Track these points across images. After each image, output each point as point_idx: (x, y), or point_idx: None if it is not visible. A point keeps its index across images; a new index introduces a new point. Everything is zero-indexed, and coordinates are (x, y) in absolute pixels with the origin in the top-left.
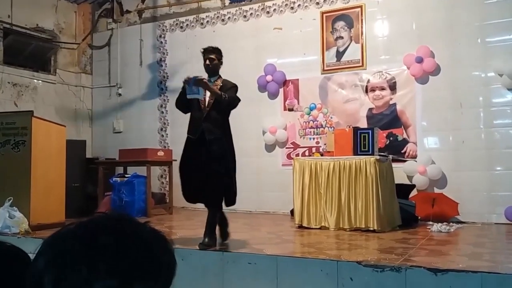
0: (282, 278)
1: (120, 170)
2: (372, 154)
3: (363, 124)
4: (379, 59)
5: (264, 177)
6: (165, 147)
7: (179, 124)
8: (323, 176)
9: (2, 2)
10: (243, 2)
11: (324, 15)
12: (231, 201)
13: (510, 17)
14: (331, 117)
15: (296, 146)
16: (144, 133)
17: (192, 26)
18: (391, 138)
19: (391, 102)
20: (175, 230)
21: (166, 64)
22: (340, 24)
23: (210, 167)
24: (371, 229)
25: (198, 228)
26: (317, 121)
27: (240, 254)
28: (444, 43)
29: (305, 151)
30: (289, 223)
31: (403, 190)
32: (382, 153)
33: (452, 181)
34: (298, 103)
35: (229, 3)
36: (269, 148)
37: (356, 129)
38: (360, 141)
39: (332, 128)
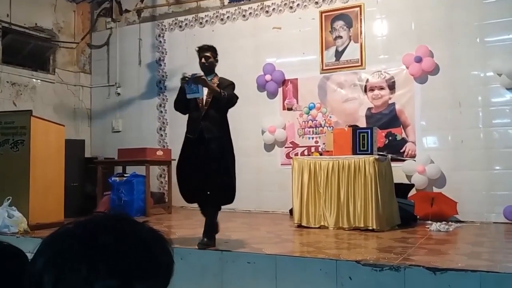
0: (281, 278)
1: (119, 169)
2: (371, 153)
3: (362, 123)
4: (378, 59)
5: (263, 177)
6: (164, 146)
7: (178, 124)
8: (322, 175)
9: (1, 1)
10: (242, 2)
11: (323, 14)
12: (230, 200)
13: (509, 17)
14: (330, 117)
15: (295, 145)
16: (143, 133)
17: (191, 25)
18: (390, 138)
19: (390, 102)
20: (174, 229)
21: (165, 63)
22: (339, 23)
23: (209, 166)
24: (370, 228)
25: (197, 228)
26: (316, 120)
27: (239, 254)
28: (443, 43)
29: (304, 150)
30: (288, 223)
31: (402, 189)
32: (381, 153)
33: (451, 180)
34: (297, 103)
35: (228, 2)
36: (268, 147)
37: (355, 129)
38: (359, 141)
39: (331, 127)
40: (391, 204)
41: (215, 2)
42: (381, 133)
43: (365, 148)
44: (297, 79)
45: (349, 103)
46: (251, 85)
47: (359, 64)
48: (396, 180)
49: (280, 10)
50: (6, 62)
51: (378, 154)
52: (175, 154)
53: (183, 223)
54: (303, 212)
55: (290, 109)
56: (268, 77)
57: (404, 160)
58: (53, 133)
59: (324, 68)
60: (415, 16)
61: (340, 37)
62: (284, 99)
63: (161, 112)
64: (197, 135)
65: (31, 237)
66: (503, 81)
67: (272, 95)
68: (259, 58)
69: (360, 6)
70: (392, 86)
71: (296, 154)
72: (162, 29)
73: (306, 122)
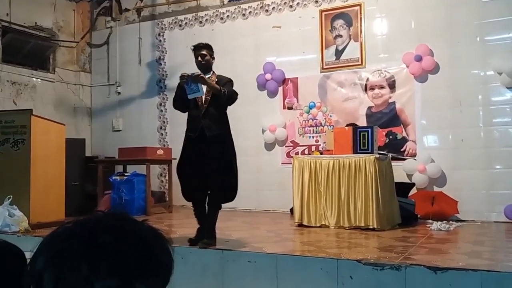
0: (282, 277)
1: (119, 168)
2: (372, 152)
3: (363, 122)
4: (378, 58)
5: (264, 176)
6: (164, 145)
7: (179, 123)
8: (322, 174)
9: (1, 1)
10: (242, 1)
11: (323, 13)
12: (231, 198)
13: (509, 16)
14: (331, 116)
15: (295, 144)
16: (144, 132)
17: (191, 24)
18: (391, 137)
19: (390, 101)
20: (174, 228)
21: (165, 62)
22: (339, 22)
23: (209, 166)
24: (371, 227)
25: (197, 227)
26: (317, 119)
27: (239, 253)
28: (443, 42)
29: (304, 149)
30: (288, 222)
31: (403, 188)
32: (382, 152)
33: (452, 179)
34: (298, 102)
35: (228, 1)
36: (269, 146)
37: (355, 128)
38: (359, 140)
39: (332, 126)
40: (392, 203)
41: (215, 1)
42: (381, 132)
43: (366, 147)
44: (297, 78)
45: (349, 102)
46: (251, 84)
47: (359, 63)
48: (397, 179)
49: (280, 9)
50: (6, 61)
51: (379, 153)
52: (176, 153)
53: (184, 222)
54: (303, 211)
55: (290, 108)
56: (268, 76)
57: (404, 159)
58: (54, 132)
59: (324, 67)
60: (415, 15)
61: (340, 36)
62: (284, 98)
63: (162, 111)
64: (198, 133)
65: (32, 236)
66: (504, 80)
67: (272, 94)
68: (259, 57)
69: (360, 5)
70: (392, 85)
71: (297, 153)
72: (162, 28)
73: (307, 121)
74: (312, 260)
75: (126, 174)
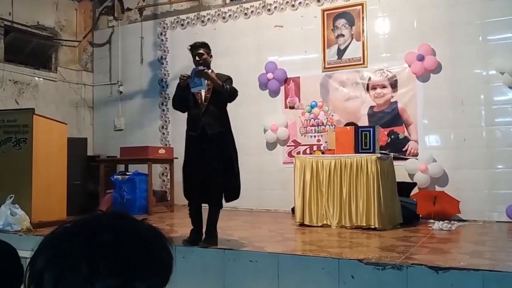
0: (283, 276)
1: (121, 168)
2: (373, 152)
3: (364, 122)
4: (380, 57)
5: (265, 175)
6: (166, 145)
7: (180, 122)
8: (324, 174)
9: (3, 0)
10: (244, 0)
11: (325, 12)
12: (235, 196)
13: (511, 15)
14: (332, 115)
15: (297, 144)
16: (145, 131)
17: (193, 23)
18: (392, 136)
19: (392, 100)
20: (176, 228)
21: (167, 61)
22: (341, 21)
23: (210, 165)
24: (372, 227)
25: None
26: (318, 119)
27: (241, 252)
28: (445, 41)
29: (306, 149)
30: (290, 221)
31: (404, 188)
32: (383, 151)
33: (453, 179)
34: (299, 101)
35: (230, 0)
36: (270, 146)
37: (357, 127)
38: (361, 139)
39: (333, 126)
40: (394, 202)
41: (216, 1)
42: (383, 131)
43: (367, 147)
44: (299, 77)
45: (351, 102)
46: (253, 83)
47: (361, 62)
48: (399, 178)
49: (282, 8)
50: (8, 60)
51: (380, 153)
52: (177, 152)
53: (185, 221)
54: (305, 210)
55: (292, 107)
56: (270, 75)
57: (406, 159)
58: (56, 131)
59: (326, 66)
60: (417, 15)
61: (342, 35)
62: (286, 98)
63: (163, 110)
64: (199, 131)
65: (33, 235)
66: (506, 79)
67: (274, 93)
68: (261, 57)
69: (362, 4)
70: (394, 85)
71: (298, 153)
72: (164, 28)
73: (308, 121)
74: (314, 259)
75: (128, 173)
